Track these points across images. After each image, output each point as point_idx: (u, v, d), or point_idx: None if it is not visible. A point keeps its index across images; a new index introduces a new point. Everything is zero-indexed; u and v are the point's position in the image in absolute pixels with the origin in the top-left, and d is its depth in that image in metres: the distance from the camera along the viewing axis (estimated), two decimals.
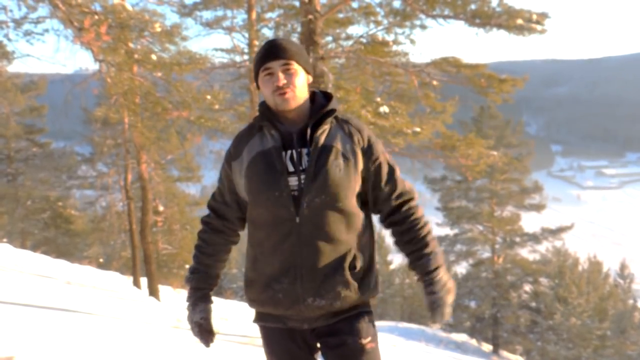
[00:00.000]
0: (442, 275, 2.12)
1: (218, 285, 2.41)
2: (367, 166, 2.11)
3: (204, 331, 2.22)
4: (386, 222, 2.21)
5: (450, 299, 2.10)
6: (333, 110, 2.12)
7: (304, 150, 2.06)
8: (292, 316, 2.11)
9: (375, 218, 2.29)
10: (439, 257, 2.15)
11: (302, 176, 2.03)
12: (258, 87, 2.14)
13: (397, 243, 2.21)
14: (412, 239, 2.15)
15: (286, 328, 2.16)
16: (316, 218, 2.02)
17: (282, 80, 2.03)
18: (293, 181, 2.03)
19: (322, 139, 2.06)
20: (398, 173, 2.18)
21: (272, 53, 2.05)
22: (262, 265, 2.11)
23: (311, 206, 2.02)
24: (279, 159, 2.04)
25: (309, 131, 2.07)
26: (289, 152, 2.06)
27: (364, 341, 2.10)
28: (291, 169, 2.05)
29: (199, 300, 2.25)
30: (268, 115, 2.11)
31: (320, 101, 2.17)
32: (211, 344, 2.23)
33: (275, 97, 2.05)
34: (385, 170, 2.15)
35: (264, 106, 2.15)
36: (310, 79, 2.15)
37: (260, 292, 2.12)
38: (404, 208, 2.17)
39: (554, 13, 8.39)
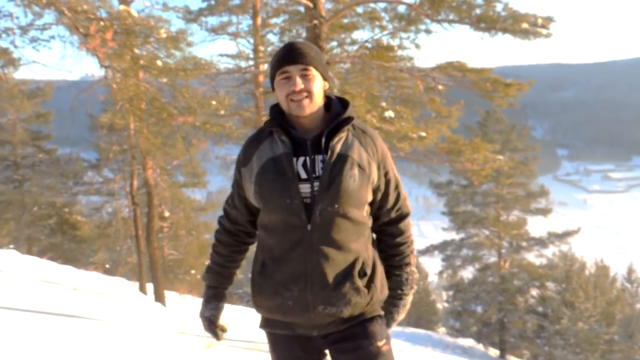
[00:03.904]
0: (409, 297, 2.32)
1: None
2: (379, 178, 2.11)
3: (213, 326, 2.28)
4: (379, 230, 2.24)
5: (401, 317, 2.33)
6: (350, 119, 2.09)
7: (319, 158, 2.03)
8: (301, 323, 2.10)
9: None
10: (414, 280, 2.31)
11: (316, 184, 2.01)
12: (273, 90, 2.11)
13: (383, 250, 2.27)
14: (398, 254, 2.25)
15: (294, 335, 2.14)
16: (328, 226, 2.01)
17: (299, 85, 2.00)
18: (305, 188, 2.01)
19: (338, 147, 2.03)
20: (401, 186, 2.21)
21: (291, 57, 2.02)
22: (271, 271, 2.09)
23: (323, 214, 2.00)
24: (290, 166, 2.01)
25: (323, 139, 2.04)
26: (301, 158, 2.03)
27: (380, 344, 2.11)
28: (304, 175, 2.02)
29: (212, 298, 2.31)
30: (279, 120, 2.08)
31: (336, 108, 2.14)
32: (222, 339, 2.30)
33: (290, 101, 2.02)
34: (393, 184, 2.16)
35: (275, 110, 2.12)
36: (327, 85, 2.12)
37: (268, 298, 2.11)
38: (401, 224, 2.24)
39: (560, 17, 8.40)
